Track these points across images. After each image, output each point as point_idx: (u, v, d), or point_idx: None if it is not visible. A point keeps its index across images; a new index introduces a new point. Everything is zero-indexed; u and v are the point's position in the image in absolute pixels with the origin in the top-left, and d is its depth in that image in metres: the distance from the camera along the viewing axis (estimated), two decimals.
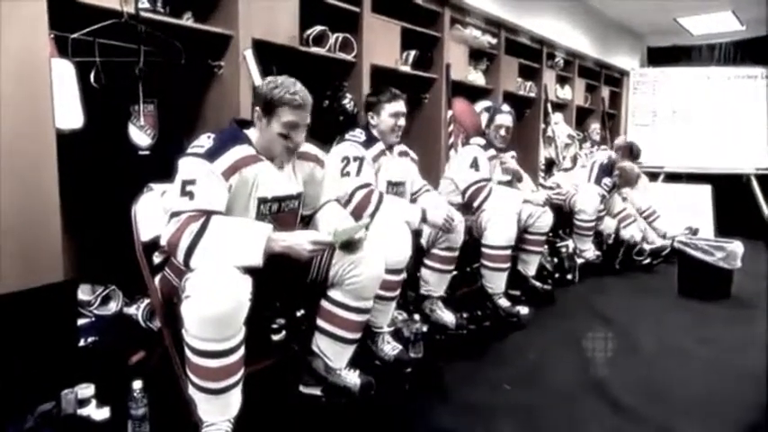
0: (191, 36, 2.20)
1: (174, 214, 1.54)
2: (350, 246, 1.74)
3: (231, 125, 1.77)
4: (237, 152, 1.64)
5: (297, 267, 1.70)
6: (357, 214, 2.21)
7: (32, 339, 1.63)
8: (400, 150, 2.59)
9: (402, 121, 2.44)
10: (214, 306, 1.40)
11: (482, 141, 3.11)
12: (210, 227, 1.51)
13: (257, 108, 1.70)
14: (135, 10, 1.90)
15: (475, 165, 2.96)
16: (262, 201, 1.71)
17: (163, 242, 1.57)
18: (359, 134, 2.41)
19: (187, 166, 1.59)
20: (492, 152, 3.11)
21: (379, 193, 2.33)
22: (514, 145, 4.57)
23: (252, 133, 1.73)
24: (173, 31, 2.12)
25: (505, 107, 3.18)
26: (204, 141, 1.63)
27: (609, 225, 4.06)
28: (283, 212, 1.79)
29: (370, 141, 2.41)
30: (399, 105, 2.44)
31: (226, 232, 1.52)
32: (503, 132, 3.11)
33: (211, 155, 1.59)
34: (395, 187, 2.51)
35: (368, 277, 1.77)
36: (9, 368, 1.57)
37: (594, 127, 5.18)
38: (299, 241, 1.58)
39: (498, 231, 2.80)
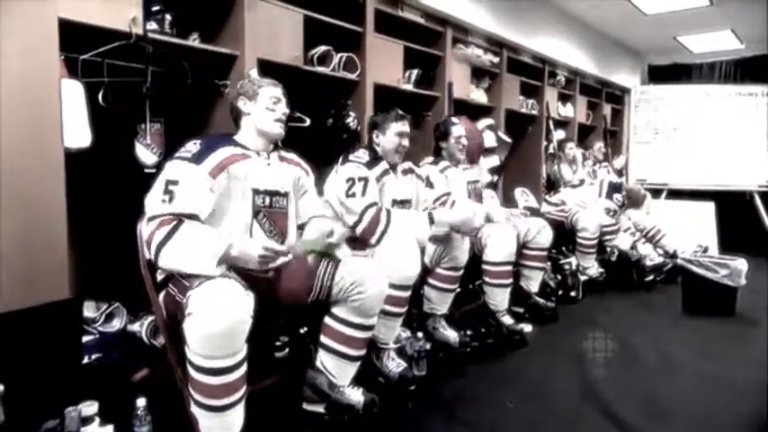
0: (197, 56, 2.24)
1: (153, 217, 1.60)
2: (324, 254, 1.80)
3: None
4: (225, 152, 1.74)
5: (298, 283, 1.71)
6: (369, 232, 2.24)
7: (37, 356, 1.63)
8: (404, 168, 2.60)
9: (406, 142, 2.47)
10: (216, 323, 1.42)
11: (430, 159, 3.04)
12: (178, 232, 1.56)
13: (241, 98, 1.85)
14: (143, 32, 1.94)
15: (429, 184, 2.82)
16: (255, 191, 1.78)
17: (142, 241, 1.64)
18: (362, 154, 2.43)
19: (172, 168, 1.67)
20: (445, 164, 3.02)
21: (387, 211, 2.34)
22: (517, 160, 4.65)
23: (238, 135, 1.84)
24: (180, 52, 2.16)
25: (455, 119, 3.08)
26: (191, 147, 1.71)
27: (625, 241, 4.07)
28: (274, 209, 1.84)
29: (373, 161, 2.43)
30: (404, 126, 2.47)
31: (188, 239, 1.56)
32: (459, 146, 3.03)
33: (198, 157, 1.68)
34: (400, 205, 2.52)
35: (372, 294, 1.78)
36: (14, 385, 1.57)
37: (599, 146, 5.22)
38: (250, 245, 1.61)
39: (497, 247, 2.81)
